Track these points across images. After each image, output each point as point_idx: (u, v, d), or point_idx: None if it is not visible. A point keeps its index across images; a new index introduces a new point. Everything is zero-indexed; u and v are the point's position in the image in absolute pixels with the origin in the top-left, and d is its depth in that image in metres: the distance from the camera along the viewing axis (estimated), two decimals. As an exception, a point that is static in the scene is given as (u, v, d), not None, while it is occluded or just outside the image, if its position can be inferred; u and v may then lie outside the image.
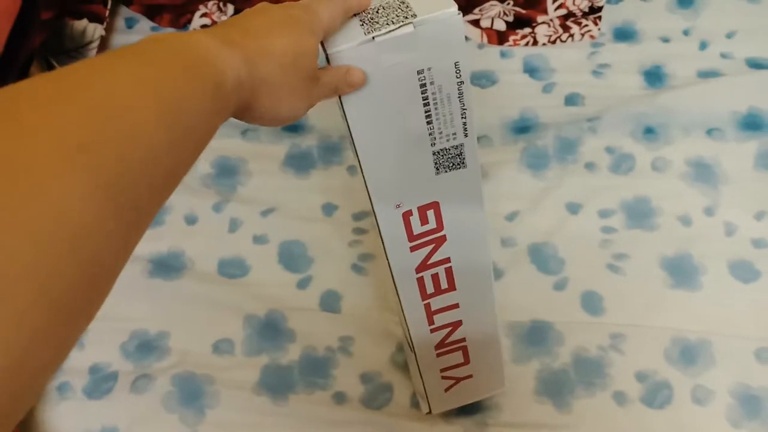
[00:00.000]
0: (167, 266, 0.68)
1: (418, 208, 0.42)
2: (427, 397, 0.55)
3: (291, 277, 0.68)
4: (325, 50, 0.35)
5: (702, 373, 0.61)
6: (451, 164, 0.40)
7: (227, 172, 0.73)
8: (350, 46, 0.34)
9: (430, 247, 0.45)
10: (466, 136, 0.39)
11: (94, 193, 0.17)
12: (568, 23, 0.79)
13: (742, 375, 0.61)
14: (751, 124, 0.73)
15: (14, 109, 0.17)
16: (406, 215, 0.42)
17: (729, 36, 0.80)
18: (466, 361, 0.53)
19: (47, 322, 0.15)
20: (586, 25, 0.79)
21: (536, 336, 0.63)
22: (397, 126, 0.38)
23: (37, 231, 0.15)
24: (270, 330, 0.65)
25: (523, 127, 0.75)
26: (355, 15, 0.36)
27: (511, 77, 0.78)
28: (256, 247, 0.69)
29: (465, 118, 0.38)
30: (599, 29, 0.79)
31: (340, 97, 0.36)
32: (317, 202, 0.71)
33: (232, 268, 0.68)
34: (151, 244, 0.69)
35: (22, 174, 0.15)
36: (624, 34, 0.80)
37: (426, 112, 0.38)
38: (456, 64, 0.36)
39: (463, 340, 0.51)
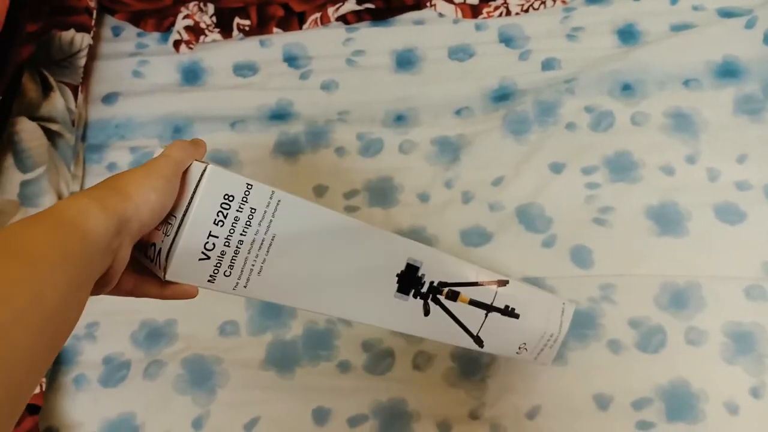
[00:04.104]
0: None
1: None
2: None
3: (288, 258, 0.70)
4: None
5: (694, 316, 0.63)
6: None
7: (220, 164, 0.76)
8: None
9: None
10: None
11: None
12: (540, -9, 0.80)
13: (733, 314, 0.62)
14: (726, 71, 0.74)
15: None
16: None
17: (699, -12, 0.81)
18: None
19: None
20: (557, -9, 0.80)
21: (528, 292, 0.64)
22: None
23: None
24: (272, 308, 0.67)
25: (502, 95, 0.76)
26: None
27: (487, 48, 0.79)
28: (252, 232, 0.71)
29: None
30: (570, -6, 0.81)
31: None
32: (308, 184, 0.73)
33: (232, 254, 0.70)
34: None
35: None
36: (595, -3, 0.81)
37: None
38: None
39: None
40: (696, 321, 0.62)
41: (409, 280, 0.44)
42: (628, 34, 0.78)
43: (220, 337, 0.66)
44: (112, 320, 0.67)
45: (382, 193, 0.72)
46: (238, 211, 0.36)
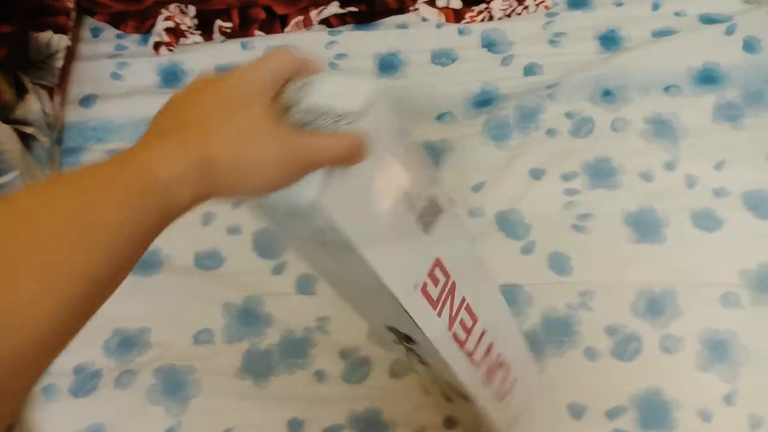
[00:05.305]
0: (145, 263, 0.70)
1: (428, 275, 0.42)
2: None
3: (266, 264, 0.69)
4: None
5: (669, 323, 0.63)
6: (432, 217, 0.40)
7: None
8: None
9: (449, 299, 0.45)
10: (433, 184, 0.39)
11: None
12: (522, -5, 0.80)
13: (708, 321, 0.62)
14: (707, 78, 0.74)
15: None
16: (424, 289, 0.43)
17: (681, -6, 0.81)
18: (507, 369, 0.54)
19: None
20: (539, -4, 0.80)
21: (506, 299, 0.64)
22: (380, 211, 0.36)
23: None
24: (248, 316, 0.66)
25: (484, 101, 0.76)
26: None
27: (470, 53, 0.79)
28: (230, 237, 0.71)
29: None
30: (553, -1, 0.81)
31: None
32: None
33: (208, 260, 0.70)
34: (128, 243, 0.71)
35: None
36: (578, 2, 0.81)
37: None
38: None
39: (500, 355, 0.52)
40: (672, 328, 0.62)
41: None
42: (610, 40, 0.78)
43: (195, 345, 0.65)
44: (83, 328, 0.66)
45: (361, 198, 0.72)
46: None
